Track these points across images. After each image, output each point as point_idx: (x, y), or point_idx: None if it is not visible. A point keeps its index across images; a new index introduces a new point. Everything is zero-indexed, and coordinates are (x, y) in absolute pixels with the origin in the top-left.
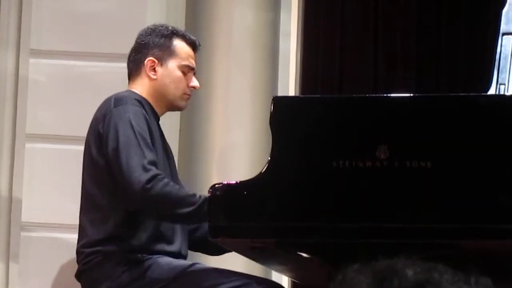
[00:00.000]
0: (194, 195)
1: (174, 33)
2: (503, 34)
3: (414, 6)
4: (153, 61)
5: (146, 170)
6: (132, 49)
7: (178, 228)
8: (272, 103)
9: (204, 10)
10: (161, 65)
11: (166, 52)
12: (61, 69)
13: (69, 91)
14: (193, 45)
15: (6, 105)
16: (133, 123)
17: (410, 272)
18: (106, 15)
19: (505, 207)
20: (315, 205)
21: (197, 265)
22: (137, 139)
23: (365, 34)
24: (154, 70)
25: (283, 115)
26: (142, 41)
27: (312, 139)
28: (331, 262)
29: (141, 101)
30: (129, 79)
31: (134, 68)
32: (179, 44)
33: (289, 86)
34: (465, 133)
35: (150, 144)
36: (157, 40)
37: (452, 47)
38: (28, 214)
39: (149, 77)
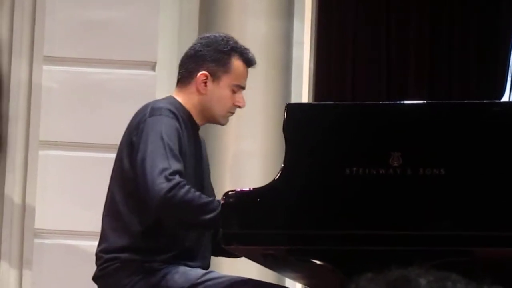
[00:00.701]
0: (214, 201)
1: (233, 49)
2: None
3: (426, 14)
4: (206, 76)
5: (168, 179)
6: (187, 55)
7: (202, 245)
8: (285, 110)
9: (217, 20)
10: (213, 80)
11: (221, 69)
12: (74, 76)
13: (82, 98)
14: (250, 64)
15: (20, 112)
16: (164, 134)
17: (423, 281)
18: (119, 22)
19: None
20: (328, 213)
21: (212, 274)
22: (164, 149)
23: (377, 43)
24: (205, 84)
25: (296, 122)
26: (200, 51)
27: (325, 146)
28: (344, 269)
29: (177, 113)
30: (177, 84)
31: (186, 76)
32: (236, 62)
33: (302, 94)
34: (479, 140)
35: (178, 155)
36: (215, 54)
37: (465, 53)
38: (41, 221)
39: (198, 90)
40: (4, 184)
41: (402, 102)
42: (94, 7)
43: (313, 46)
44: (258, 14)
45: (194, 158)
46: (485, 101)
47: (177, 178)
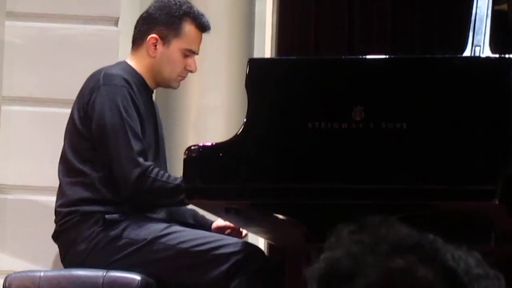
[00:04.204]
0: (181, 183)
1: (186, 14)
2: None
3: None
4: (156, 39)
5: (134, 164)
6: (141, 16)
7: None
8: (248, 65)
9: None
10: (163, 44)
11: (172, 32)
12: (37, 31)
13: (44, 53)
14: (203, 29)
15: None
16: (122, 110)
17: (405, 230)
18: None
19: (478, 168)
20: (291, 167)
21: (174, 227)
22: (124, 127)
23: None
24: (155, 47)
25: (259, 77)
26: (152, 14)
27: (288, 101)
28: (306, 223)
29: (131, 80)
30: (132, 45)
31: (138, 38)
32: (187, 27)
33: (265, 49)
34: (440, 94)
35: (138, 131)
36: (166, 18)
37: (427, 8)
38: (4, 176)
39: (148, 53)
40: None
41: (364, 57)
42: None
43: (275, 0)
44: None
45: (151, 124)
46: (446, 55)
47: (142, 162)
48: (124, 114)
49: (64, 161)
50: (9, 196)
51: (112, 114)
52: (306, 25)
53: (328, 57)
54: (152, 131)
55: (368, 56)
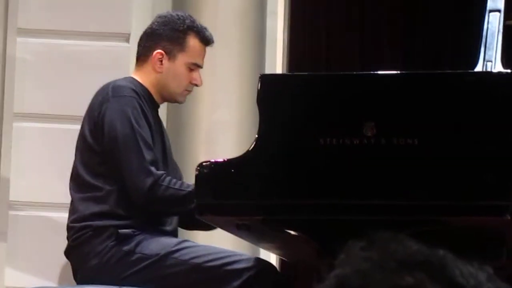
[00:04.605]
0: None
1: (190, 28)
2: (490, 11)
3: None
4: (162, 54)
5: (146, 174)
6: (144, 33)
7: None
8: (259, 81)
9: None
10: (169, 59)
11: (177, 47)
12: (49, 47)
13: (56, 70)
14: (207, 42)
15: None
16: (133, 120)
17: (415, 247)
18: None
19: (490, 184)
20: (302, 183)
21: (187, 242)
22: (136, 138)
23: (351, 12)
24: (161, 62)
25: (270, 93)
26: (156, 30)
27: (299, 116)
28: (318, 239)
29: (139, 92)
30: (136, 63)
31: (142, 54)
32: (191, 41)
33: (276, 64)
34: (452, 110)
35: (149, 141)
36: (171, 33)
37: (439, 23)
38: (16, 193)
39: (154, 68)
40: None
41: (376, 72)
42: None
43: (287, 16)
44: None
45: (159, 138)
46: (458, 71)
47: (154, 172)
48: (135, 124)
49: (75, 177)
50: (20, 213)
51: (123, 125)
52: (317, 41)
53: (339, 72)
54: (160, 146)
55: (380, 72)
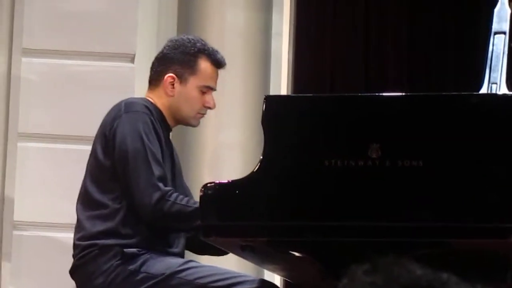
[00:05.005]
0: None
1: (201, 51)
2: (495, 33)
3: (405, 5)
4: (173, 78)
5: (154, 189)
6: (157, 57)
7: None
8: (264, 102)
9: (196, 11)
10: (180, 82)
11: (188, 71)
12: (53, 68)
13: (61, 90)
14: (219, 65)
15: None
16: (143, 135)
17: (419, 272)
18: (98, 14)
19: (494, 206)
20: (307, 204)
21: (192, 263)
22: (146, 153)
23: (356, 34)
24: (172, 86)
25: (275, 114)
26: (167, 54)
27: (304, 138)
28: (322, 261)
29: (152, 110)
30: (149, 85)
31: (154, 78)
32: (203, 64)
33: (281, 85)
34: (457, 132)
35: (159, 157)
36: (181, 56)
37: (444, 46)
38: (20, 213)
39: (166, 92)
40: None
41: (380, 94)
42: None
43: (291, 38)
44: (237, 6)
45: (169, 159)
46: (463, 93)
47: (161, 187)
48: (145, 139)
49: (83, 194)
50: (25, 233)
51: (134, 140)
52: (322, 62)
53: (344, 94)
54: (169, 167)
55: (385, 94)
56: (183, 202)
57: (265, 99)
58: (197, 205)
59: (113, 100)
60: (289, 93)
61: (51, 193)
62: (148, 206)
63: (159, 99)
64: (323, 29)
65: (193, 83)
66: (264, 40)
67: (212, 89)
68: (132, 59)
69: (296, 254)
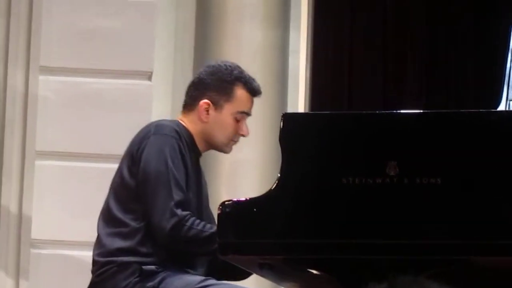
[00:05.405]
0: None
1: (238, 79)
2: None
3: (423, 22)
4: (208, 104)
5: (171, 214)
6: (193, 81)
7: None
8: (281, 120)
9: (213, 28)
10: (215, 109)
11: (223, 97)
12: (71, 86)
13: (78, 108)
14: (254, 93)
15: (16, 122)
16: (168, 159)
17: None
18: (115, 32)
19: None
20: (324, 222)
21: (210, 280)
22: (168, 177)
23: (374, 51)
24: (207, 112)
25: (292, 131)
26: (204, 79)
27: (322, 155)
28: (340, 279)
29: (181, 134)
30: (182, 109)
31: (189, 103)
32: (239, 91)
33: (299, 103)
34: (475, 149)
35: (182, 182)
36: (218, 83)
37: (462, 63)
38: (38, 231)
39: (200, 118)
40: (0, 194)
41: (398, 111)
42: (90, 16)
43: (309, 55)
44: (254, 23)
45: (195, 184)
46: (481, 110)
47: (179, 212)
48: (170, 163)
49: (106, 211)
50: (42, 251)
51: (158, 162)
52: (339, 79)
53: (362, 112)
54: (195, 192)
55: (402, 111)
56: (200, 227)
57: (282, 116)
58: (214, 229)
59: (130, 118)
60: (307, 111)
61: (68, 211)
62: (164, 230)
63: (191, 124)
64: (341, 46)
65: (228, 110)
66: (281, 57)
67: (248, 114)
68: (149, 76)
69: (314, 272)
